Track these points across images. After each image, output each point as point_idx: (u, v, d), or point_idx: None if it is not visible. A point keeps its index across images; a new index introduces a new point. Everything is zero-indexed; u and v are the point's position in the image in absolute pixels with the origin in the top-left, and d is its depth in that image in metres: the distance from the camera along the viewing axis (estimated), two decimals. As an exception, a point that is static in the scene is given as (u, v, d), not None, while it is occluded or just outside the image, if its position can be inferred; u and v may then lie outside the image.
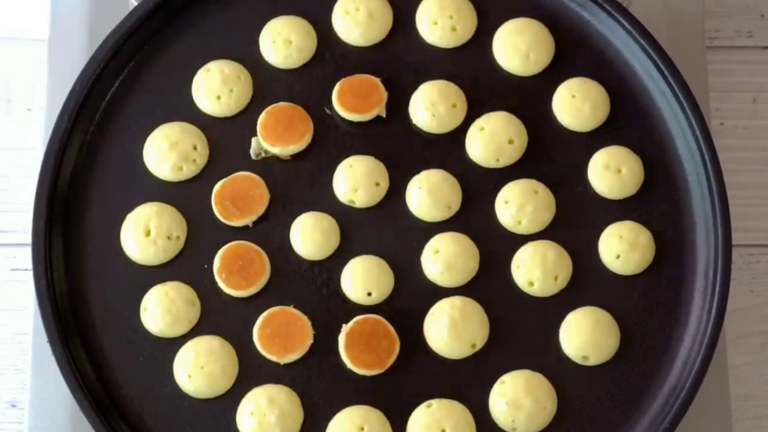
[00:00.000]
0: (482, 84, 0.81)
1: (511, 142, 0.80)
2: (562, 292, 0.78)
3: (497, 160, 0.80)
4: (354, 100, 0.80)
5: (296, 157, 0.80)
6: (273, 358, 0.75)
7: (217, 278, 0.77)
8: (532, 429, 0.75)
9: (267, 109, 0.80)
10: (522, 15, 0.83)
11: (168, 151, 0.78)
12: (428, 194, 0.78)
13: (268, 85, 0.81)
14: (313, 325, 0.76)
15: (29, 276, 0.76)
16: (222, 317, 0.77)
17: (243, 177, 0.79)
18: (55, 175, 0.77)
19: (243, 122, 0.80)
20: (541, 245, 0.78)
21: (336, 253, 0.78)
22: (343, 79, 0.81)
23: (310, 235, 0.77)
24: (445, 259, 0.77)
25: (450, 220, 0.79)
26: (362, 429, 0.74)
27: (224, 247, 0.77)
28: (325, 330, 0.76)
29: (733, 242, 0.77)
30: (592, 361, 0.76)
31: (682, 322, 0.77)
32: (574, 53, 0.82)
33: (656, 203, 0.79)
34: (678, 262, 0.78)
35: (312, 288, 0.77)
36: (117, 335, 0.76)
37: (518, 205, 0.78)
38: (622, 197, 0.79)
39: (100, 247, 0.78)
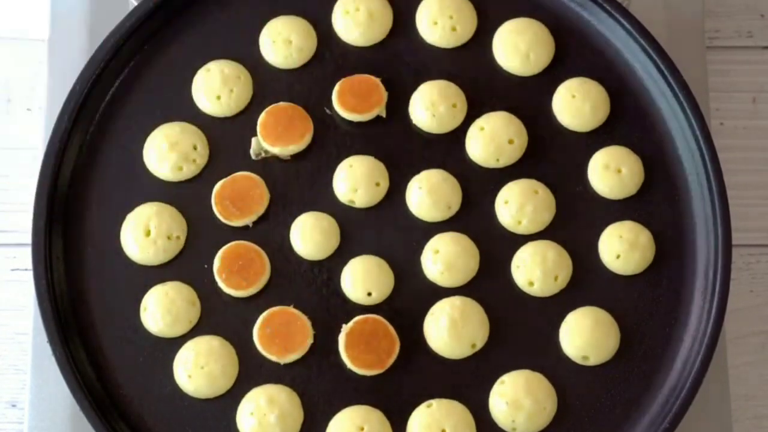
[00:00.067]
0: (482, 84, 0.81)
1: (511, 142, 0.80)
2: (562, 292, 0.78)
3: (497, 160, 0.80)
4: (354, 100, 0.80)
5: (296, 157, 0.80)
6: (273, 358, 0.75)
7: (217, 278, 0.77)
8: (532, 429, 0.75)
9: (267, 109, 0.80)
10: (522, 15, 0.83)
11: (168, 151, 0.78)
12: (428, 194, 0.78)
13: (268, 85, 0.81)
14: (313, 325, 0.76)
15: (29, 276, 0.76)
16: (222, 317, 0.77)
17: (243, 177, 0.79)
18: (55, 175, 0.77)
19: (243, 122, 0.80)
20: (541, 245, 0.78)
21: (336, 253, 0.78)
22: (343, 79, 0.81)
23: (310, 235, 0.77)
24: (445, 259, 0.77)
25: (450, 220, 0.79)
26: (362, 429, 0.74)
27: (224, 247, 0.77)
28: (325, 330, 0.76)
29: (733, 242, 0.77)
30: (592, 361, 0.76)
31: (682, 322, 0.77)
32: (574, 53, 0.82)
33: (656, 203, 0.79)
34: (678, 262, 0.78)
35: (312, 288, 0.77)
36: (117, 335, 0.76)
37: (518, 205, 0.78)
38: (622, 197, 0.79)
39: (100, 247, 0.78)
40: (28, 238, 0.76)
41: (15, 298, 0.82)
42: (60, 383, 0.74)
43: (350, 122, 0.80)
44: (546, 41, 0.82)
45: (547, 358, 0.76)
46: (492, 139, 0.80)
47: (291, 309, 0.76)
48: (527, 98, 0.81)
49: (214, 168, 0.79)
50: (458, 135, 0.80)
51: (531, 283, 0.77)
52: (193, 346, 0.76)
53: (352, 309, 0.77)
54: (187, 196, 0.79)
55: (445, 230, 0.78)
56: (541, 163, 0.80)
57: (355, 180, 0.78)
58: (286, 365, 0.76)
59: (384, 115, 0.80)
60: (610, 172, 0.79)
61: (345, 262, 0.77)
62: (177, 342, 0.76)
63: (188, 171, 0.79)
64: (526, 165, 0.80)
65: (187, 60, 0.81)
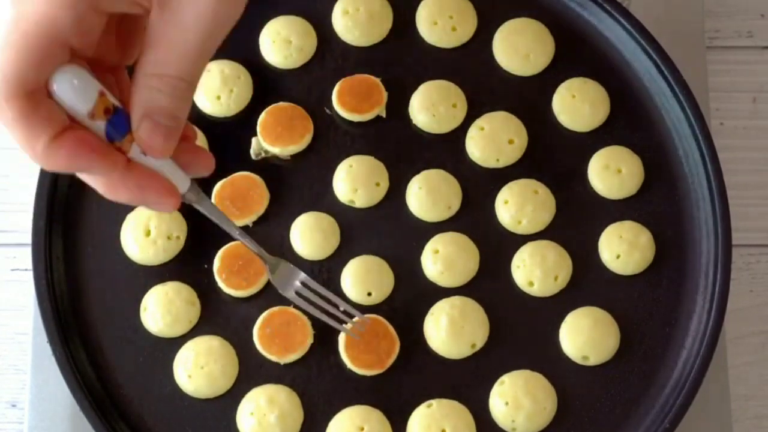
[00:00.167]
0: (482, 84, 0.81)
1: (511, 142, 0.80)
2: (562, 292, 0.78)
3: (497, 160, 0.80)
4: (354, 100, 0.80)
5: (296, 157, 0.80)
6: (273, 358, 0.75)
7: (217, 278, 0.77)
8: (532, 429, 0.75)
9: (267, 109, 0.80)
10: (522, 15, 0.83)
11: (168, 151, 0.78)
12: (428, 194, 0.78)
13: (268, 85, 0.81)
14: (313, 325, 0.76)
15: (29, 276, 0.76)
16: (222, 317, 0.77)
17: (243, 177, 0.79)
18: (55, 175, 0.77)
19: (243, 122, 0.80)
20: (541, 245, 0.78)
21: (336, 253, 0.78)
22: (343, 79, 0.81)
23: (310, 235, 0.77)
24: (445, 259, 0.77)
25: (450, 220, 0.79)
26: (362, 429, 0.74)
27: (224, 247, 0.77)
28: (325, 330, 0.76)
29: (733, 242, 0.77)
30: (592, 361, 0.76)
31: (682, 322, 0.77)
32: (574, 53, 0.82)
33: (656, 203, 0.79)
34: (678, 262, 0.78)
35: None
36: (117, 335, 0.76)
37: (518, 205, 0.78)
38: (622, 197, 0.79)
39: (100, 247, 0.78)
40: (28, 238, 0.76)
41: (15, 298, 0.82)
42: (60, 383, 0.74)
43: (350, 122, 0.80)
44: (546, 41, 0.82)
45: (547, 358, 0.76)
46: (492, 139, 0.80)
47: (291, 309, 0.76)
48: (527, 98, 0.81)
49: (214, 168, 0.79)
50: (458, 135, 0.80)
51: (531, 283, 0.77)
52: (193, 346, 0.76)
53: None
54: (187, 196, 0.79)
55: (445, 230, 0.78)
56: (541, 163, 0.80)
57: (355, 180, 0.78)
58: (286, 365, 0.76)
59: (384, 115, 0.81)
60: (610, 172, 0.79)
61: (345, 262, 0.77)
62: (177, 342, 0.76)
63: (188, 171, 0.79)
64: (526, 165, 0.80)
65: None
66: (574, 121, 0.81)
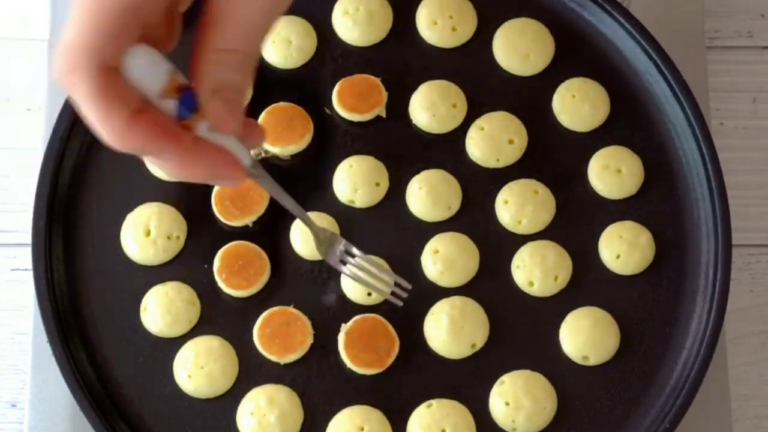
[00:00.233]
0: (482, 84, 0.81)
1: (511, 142, 0.80)
2: (562, 292, 0.78)
3: (497, 160, 0.80)
4: (354, 100, 0.80)
5: (296, 157, 0.80)
6: (273, 358, 0.75)
7: (217, 278, 0.77)
8: (532, 429, 0.75)
9: (267, 109, 0.80)
10: (522, 15, 0.83)
11: (168, 151, 0.78)
12: (428, 194, 0.78)
13: (268, 85, 0.81)
14: (313, 325, 0.76)
15: (29, 276, 0.76)
16: (222, 317, 0.77)
17: (243, 177, 0.79)
18: (55, 175, 0.77)
19: (243, 122, 0.80)
20: (541, 245, 0.78)
21: (336, 253, 0.78)
22: (343, 79, 0.81)
23: (310, 235, 0.77)
24: (445, 259, 0.77)
25: (450, 220, 0.79)
26: (362, 429, 0.74)
27: (224, 247, 0.77)
28: (325, 330, 0.76)
29: (733, 242, 0.77)
30: (592, 361, 0.76)
31: (682, 322, 0.77)
32: (574, 53, 0.82)
33: (656, 203, 0.79)
34: (678, 262, 0.78)
35: (312, 288, 0.77)
36: (117, 335, 0.76)
37: (518, 205, 0.78)
38: (622, 197, 0.79)
39: (100, 247, 0.78)
40: (28, 238, 0.76)
41: (15, 298, 0.82)
42: (60, 383, 0.74)
43: (350, 122, 0.80)
44: (546, 41, 0.82)
45: (547, 358, 0.76)
46: (492, 139, 0.80)
47: (291, 309, 0.76)
48: (527, 98, 0.81)
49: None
50: (458, 135, 0.80)
51: (531, 283, 0.77)
52: (192, 346, 0.76)
53: (352, 309, 0.77)
54: (187, 196, 0.79)
55: (445, 230, 0.78)
56: (541, 163, 0.80)
57: (355, 180, 0.78)
58: (286, 365, 0.76)
59: (384, 115, 0.81)
60: (610, 172, 0.79)
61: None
62: (177, 342, 0.76)
63: (188, 171, 0.79)
64: (526, 165, 0.80)
65: (187, 60, 0.81)
66: (574, 121, 0.81)
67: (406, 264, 0.78)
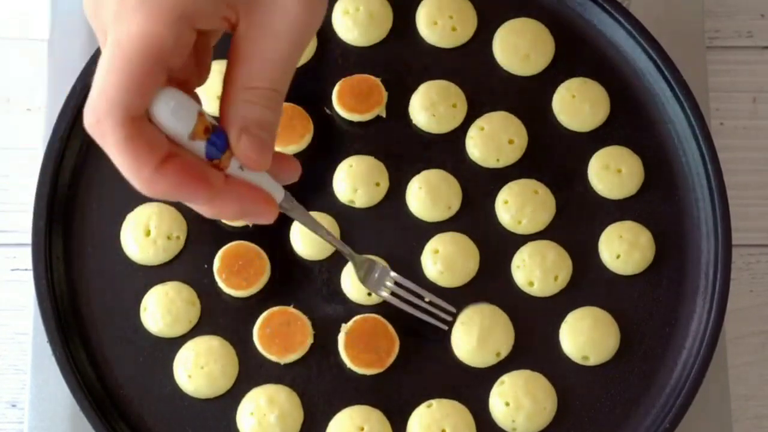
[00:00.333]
0: (482, 84, 0.81)
1: (511, 142, 0.80)
2: (562, 292, 0.78)
3: (497, 160, 0.80)
4: (354, 100, 0.80)
5: (296, 157, 0.80)
6: (273, 358, 0.75)
7: (217, 278, 0.77)
8: (532, 429, 0.75)
9: (267, 109, 0.80)
10: (522, 15, 0.83)
11: (168, 151, 0.78)
12: (428, 194, 0.78)
13: (268, 85, 0.81)
14: (313, 325, 0.76)
15: (29, 276, 0.76)
16: (222, 317, 0.77)
17: (243, 177, 0.79)
18: (55, 175, 0.77)
19: (243, 122, 0.80)
20: (541, 245, 0.78)
21: (336, 253, 0.78)
22: (343, 79, 0.81)
23: (310, 235, 0.77)
24: (445, 259, 0.77)
25: (450, 220, 0.79)
26: (362, 429, 0.74)
27: (224, 247, 0.77)
28: (325, 330, 0.76)
29: (733, 242, 0.77)
30: (592, 361, 0.76)
31: (682, 322, 0.77)
32: (574, 53, 0.82)
33: (656, 203, 0.79)
34: (678, 262, 0.78)
35: (312, 288, 0.77)
36: (117, 335, 0.76)
37: (518, 205, 0.78)
38: (622, 197, 0.79)
39: (100, 247, 0.78)
40: (28, 238, 0.76)
41: (15, 298, 0.82)
42: (60, 383, 0.74)
43: (350, 122, 0.80)
44: (546, 41, 0.82)
45: (547, 358, 0.76)
46: (492, 139, 0.80)
47: (291, 309, 0.76)
48: (527, 98, 0.81)
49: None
50: (458, 135, 0.80)
51: (531, 283, 0.77)
52: (193, 346, 0.76)
53: (352, 309, 0.77)
54: (187, 196, 0.79)
55: (445, 230, 0.78)
56: (541, 163, 0.80)
57: (355, 180, 0.79)
58: (286, 365, 0.76)
59: (384, 115, 0.81)
60: (610, 172, 0.79)
61: (345, 262, 0.77)
62: (177, 342, 0.76)
63: (188, 171, 0.79)
64: (526, 165, 0.80)
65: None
66: (574, 121, 0.81)
67: (406, 264, 0.78)
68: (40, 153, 0.78)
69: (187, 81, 0.59)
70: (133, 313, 0.77)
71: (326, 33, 0.82)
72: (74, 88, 0.78)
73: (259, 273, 0.77)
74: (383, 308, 0.77)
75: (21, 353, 0.81)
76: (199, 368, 0.75)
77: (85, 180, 0.79)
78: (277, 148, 0.78)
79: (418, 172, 0.79)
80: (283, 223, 0.78)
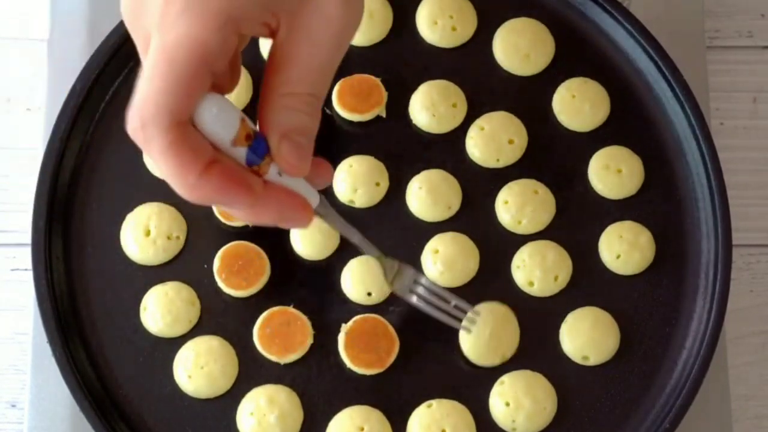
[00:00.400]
0: (482, 84, 0.81)
1: (511, 142, 0.80)
2: (562, 292, 0.78)
3: (497, 160, 0.80)
4: (354, 100, 0.80)
5: (296, 157, 0.80)
6: (273, 358, 0.75)
7: (217, 278, 0.77)
8: (532, 429, 0.75)
9: (267, 109, 0.80)
10: (522, 15, 0.83)
11: (168, 151, 0.78)
12: (428, 194, 0.78)
13: (268, 85, 0.81)
14: (313, 325, 0.76)
15: (29, 276, 0.76)
16: (222, 317, 0.77)
17: (243, 177, 0.78)
18: (55, 175, 0.77)
19: (243, 122, 0.80)
20: (541, 245, 0.78)
21: (336, 253, 0.78)
22: (343, 79, 0.81)
23: (310, 235, 0.77)
24: (445, 259, 0.77)
25: (450, 220, 0.79)
26: (362, 429, 0.74)
27: (224, 247, 0.77)
28: (325, 330, 0.76)
29: (733, 242, 0.77)
30: (592, 361, 0.76)
31: (682, 322, 0.77)
32: (574, 53, 0.82)
33: (656, 203, 0.79)
34: (678, 262, 0.78)
35: (312, 288, 0.77)
36: (117, 335, 0.76)
37: (518, 205, 0.78)
38: (622, 197, 0.79)
39: (100, 247, 0.78)
40: (28, 238, 0.76)
41: (15, 298, 0.82)
42: (60, 383, 0.74)
43: (350, 122, 0.80)
44: (546, 41, 0.82)
45: (547, 358, 0.76)
46: (492, 139, 0.80)
47: (291, 309, 0.76)
48: (527, 98, 0.81)
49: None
50: (458, 135, 0.80)
51: (531, 283, 0.77)
52: (192, 346, 0.76)
53: (352, 309, 0.77)
54: (187, 196, 0.79)
55: (445, 230, 0.78)
56: (541, 163, 0.80)
57: (355, 180, 0.78)
58: (286, 365, 0.76)
59: (384, 115, 0.81)
60: (610, 172, 0.79)
61: (345, 262, 0.77)
62: (177, 342, 0.76)
63: (188, 171, 0.79)
64: (526, 165, 0.80)
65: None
66: (574, 121, 0.81)
67: (407, 264, 0.78)
68: (40, 153, 0.78)
69: (221, 86, 0.59)
70: (132, 313, 0.77)
71: (326, 33, 0.82)
72: (74, 88, 0.78)
73: (259, 273, 0.77)
74: (383, 308, 0.77)
75: (21, 353, 0.81)
76: (199, 368, 0.75)
77: (85, 180, 0.79)
78: (277, 148, 0.79)
79: (418, 172, 0.79)
80: (283, 223, 0.78)
